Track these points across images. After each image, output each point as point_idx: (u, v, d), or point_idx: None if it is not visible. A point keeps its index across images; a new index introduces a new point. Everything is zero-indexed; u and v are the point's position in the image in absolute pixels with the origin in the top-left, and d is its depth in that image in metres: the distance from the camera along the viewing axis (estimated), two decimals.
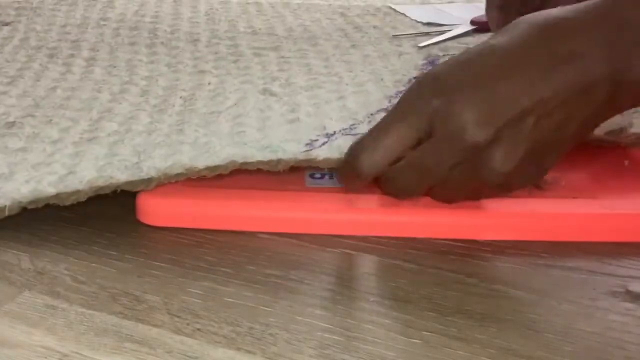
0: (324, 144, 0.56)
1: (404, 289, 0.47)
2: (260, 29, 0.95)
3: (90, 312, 0.45)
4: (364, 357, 0.41)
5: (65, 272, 0.49)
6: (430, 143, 0.48)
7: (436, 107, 0.47)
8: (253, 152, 0.55)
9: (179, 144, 0.59)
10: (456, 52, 0.82)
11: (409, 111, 0.49)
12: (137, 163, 0.55)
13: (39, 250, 0.51)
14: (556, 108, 0.47)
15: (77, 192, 0.52)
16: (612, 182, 0.58)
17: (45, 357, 0.41)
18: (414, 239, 0.52)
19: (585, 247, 0.52)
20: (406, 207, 0.52)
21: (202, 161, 0.54)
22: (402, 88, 0.64)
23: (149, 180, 0.53)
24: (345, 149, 0.52)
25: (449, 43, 0.87)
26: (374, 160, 0.50)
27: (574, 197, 0.55)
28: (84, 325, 0.43)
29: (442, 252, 0.51)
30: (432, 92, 0.47)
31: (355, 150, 0.51)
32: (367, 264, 0.50)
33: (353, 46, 0.87)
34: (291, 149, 0.55)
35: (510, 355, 0.41)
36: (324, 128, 0.58)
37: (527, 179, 0.50)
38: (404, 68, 0.78)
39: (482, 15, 0.95)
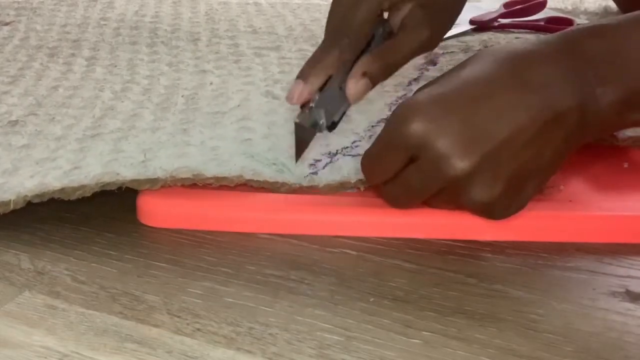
0: (326, 165, 0.57)
1: (404, 289, 0.47)
2: (260, 28, 0.95)
3: (90, 312, 0.45)
4: (364, 357, 0.41)
5: (65, 272, 0.49)
6: (415, 168, 0.49)
7: (418, 138, 0.48)
8: (260, 167, 0.55)
9: (185, 145, 0.59)
10: (456, 50, 0.82)
11: (393, 140, 0.49)
12: (143, 162, 0.55)
13: (39, 250, 0.51)
14: (532, 136, 0.48)
15: (83, 187, 0.52)
16: (611, 184, 0.58)
17: (45, 357, 0.41)
18: (414, 239, 0.52)
19: (585, 247, 0.52)
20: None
21: (211, 169, 0.54)
22: (402, 92, 0.64)
23: (155, 180, 0.53)
24: (345, 170, 0.56)
25: (449, 42, 0.87)
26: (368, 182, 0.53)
27: (571, 200, 0.55)
28: (84, 325, 0.43)
29: (442, 252, 0.51)
30: (414, 124, 0.48)
31: None
32: (367, 264, 0.50)
33: None
34: (296, 170, 0.56)
35: (510, 355, 0.41)
36: (327, 145, 0.58)
37: (508, 207, 0.50)
38: (403, 69, 0.78)
39: (481, 15, 0.95)
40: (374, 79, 0.55)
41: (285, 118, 0.65)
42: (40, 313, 0.44)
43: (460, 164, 0.47)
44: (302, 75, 0.55)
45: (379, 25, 0.57)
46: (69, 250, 0.51)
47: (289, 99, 0.55)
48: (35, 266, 0.49)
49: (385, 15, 0.58)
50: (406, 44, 0.57)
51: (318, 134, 0.55)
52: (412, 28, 0.57)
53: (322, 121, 0.55)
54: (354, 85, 0.54)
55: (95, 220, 0.54)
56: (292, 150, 0.57)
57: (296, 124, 0.55)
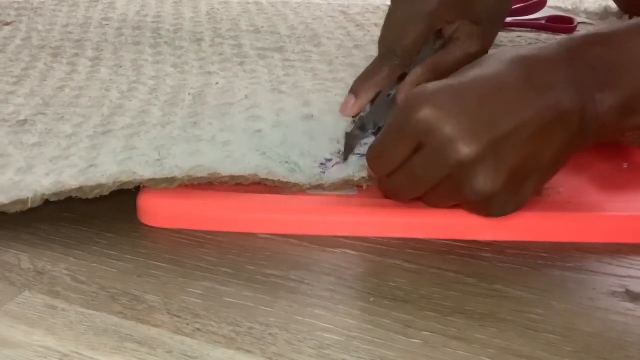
0: (336, 164, 0.57)
1: (404, 289, 0.47)
2: (262, 27, 0.95)
3: (90, 312, 0.45)
4: (364, 357, 0.41)
5: (65, 272, 0.49)
6: (420, 155, 0.49)
7: (426, 124, 0.48)
8: (274, 165, 0.56)
9: (197, 141, 0.59)
10: None
11: (401, 127, 0.50)
12: (158, 160, 0.55)
13: (39, 250, 0.51)
14: (535, 132, 0.49)
15: (101, 186, 0.52)
16: (611, 184, 0.58)
17: (45, 357, 0.41)
18: (414, 239, 0.52)
19: (585, 247, 0.52)
20: (406, 208, 0.53)
21: (226, 168, 0.54)
22: None
23: (172, 179, 0.53)
24: (353, 168, 0.56)
25: None
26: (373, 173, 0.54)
27: (570, 201, 0.55)
28: (84, 325, 0.43)
29: (442, 252, 0.51)
30: (423, 111, 0.48)
31: None
32: (367, 264, 0.50)
33: (356, 46, 0.87)
34: (307, 168, 0.56)
35: (510, 355, 0.41)
36: (338, 143, 0.59)
37: (507, 204, 0.51)
38: None
39: None
40: None
41: (293, 105, 0.66)
42: (40, 313, 0.45)
43: (465, 149, 0.47)
44: (354, 90, 0.60)
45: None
46: (69, 250, 0.51)
47: (342, 111, 0.59)
48: (35, 266, 0.49)
49: None
50: (457, 57, 0.60)
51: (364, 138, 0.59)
52: (463, 42, 0.60)
53: (370, 127, 0.59)
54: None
55: (95, 220, 0.55)
56: (303, 145, 0.59)
57: (347, 133, 0.59)
